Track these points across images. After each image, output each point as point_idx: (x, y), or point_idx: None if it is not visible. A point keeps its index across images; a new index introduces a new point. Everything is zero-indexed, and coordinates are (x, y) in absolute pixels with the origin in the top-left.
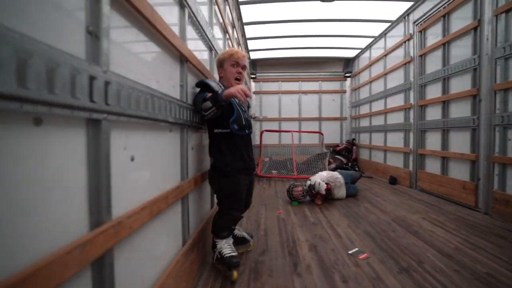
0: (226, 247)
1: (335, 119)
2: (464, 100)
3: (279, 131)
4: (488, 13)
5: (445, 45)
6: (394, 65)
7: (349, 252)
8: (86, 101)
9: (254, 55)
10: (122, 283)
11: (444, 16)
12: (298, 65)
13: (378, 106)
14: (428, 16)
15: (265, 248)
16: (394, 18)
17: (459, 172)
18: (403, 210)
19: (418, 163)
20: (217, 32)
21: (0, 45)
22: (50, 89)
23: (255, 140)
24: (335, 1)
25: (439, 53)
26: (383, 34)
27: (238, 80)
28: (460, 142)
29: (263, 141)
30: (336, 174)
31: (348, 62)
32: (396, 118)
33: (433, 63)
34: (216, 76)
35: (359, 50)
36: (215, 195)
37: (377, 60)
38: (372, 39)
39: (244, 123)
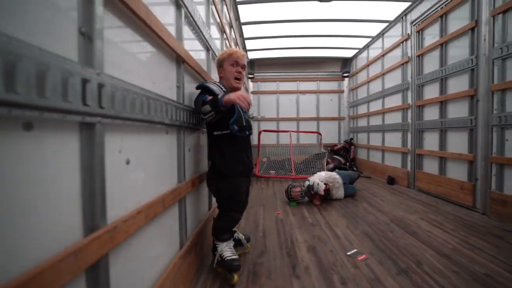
0: (227, 250)
1: (333, 119)
2: (462, 100)
3: (277, 131)
4: (486, 13)
5: (442, 45)
6: (392, 65)
7: (348, 253)
8: (79, 105)
9: (252, 55)
10: None
11: (441, 16)
12: (296, 65)
13: (376, 106)
14: (426, 16)
15: (264, 249)
16: (391, 18)
17: (457, 172)
18: (401, 210)
19: (416, 163)
20: (214, 32)
21: None
22: (41, 93)
23: (253, 140)
24: (333, 1)
25: (436, 53)
26: (381, 34)
27: (238, 79)
28: (457, 142)
29: (261, 141)
30: (334, 174)
31: (346, 62)
32: (394, 118)
33: (431, 64)
34: (214, 76)
35: (356, 50)
36: (213, 197)
37: (375, 60)
38: (370, 39)
39: (244, 124)
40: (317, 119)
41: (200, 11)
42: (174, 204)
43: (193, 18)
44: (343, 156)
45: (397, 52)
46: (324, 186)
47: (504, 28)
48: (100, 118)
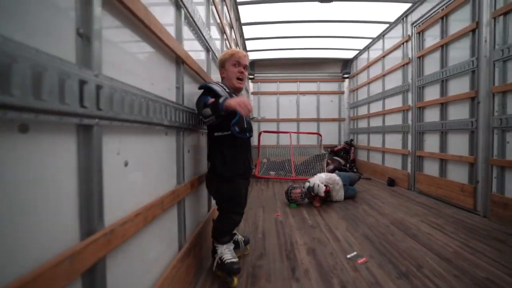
0: (227, 253)
1: (333, 120)
2: (463, 102)
3: (277, 132)
4: (486, 15)
5: (443, 47)
6: (392, 66)
7: (348, 256)
8: (76, 107)
9: (252, 56)
10: None
11: (442, 18)
12: (296, 66)
13: (376, 107)
14: (426, 17)
15: (263, 251)
16: (392, 19)
17: (458, 174)
18: (401, 213)
19: (416, 165)
20: (214, 33)
21: None
22: (37, 95)
23: (253, 141)
24: (334, 2)
25: (437, 55)
26: (381, 36)
27: (240, 79)
28: (458, 144)
29: (261, 142)
30: (334, 176)
31: (346, 63)
32: (394, 120)
33: (431, 65)
34: (214, 77)
35: (357, 51)
36: (212, 198)
37: (375, 61)
38: (370, 40)
39: (245, 126)
40: (317, 120)
41: (200, 12)
42: (173, 206)
43: (193, 19)
44: (343, 157)
45: (398, 54)
46: (324, 187)
47: (505, 30)
48: (98, 120)
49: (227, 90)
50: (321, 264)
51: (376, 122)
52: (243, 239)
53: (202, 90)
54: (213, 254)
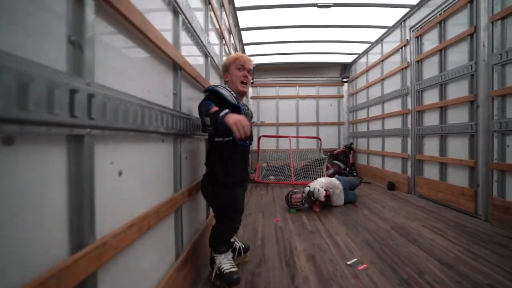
0: (226, 262)
1: (332, 124)
2: (462, 106)
3: (277, 137)
4: (484, 19)
5: (441, 51)
6: (391, 70)
7: (348, 262)
8: (65, 117)
9: None
10: None
11: (440, 22)
12: (295, 70)
13: (375, 111)
14: (425, 22)
15: (262, 258)
16: (390, 24)
17: (458, 178)
18: (402, 217)
19: (416, 168)
20: (213, 38)
21: None
22: (22, 106)
23: (253, 145)
24: (332, 7)
25: (436, 59)
26: (380, 40)
27: (244, 83)
28: (458, 148)
29: (261, 147)
30: (335, 180)
31: (345, 67)
32: (394, 124)
33: (430, 69)
34: (212, 82)
35: (356, 56)
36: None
37: (374, 65)
38: (369, 44)
39: (250, 127)
40: (317, 124)
41: (198, 17)
42: (169, 215)
43: (191, 25)
44: (343, 161)
45: (396, 58)
46: (324, 192)
47: (503, 34)
48: (90, 129)
49: (234, 95)
50: (321, 271)
51: (375, 126)
52: (243, 246)
53: (206, 94)
54: (211, 264)
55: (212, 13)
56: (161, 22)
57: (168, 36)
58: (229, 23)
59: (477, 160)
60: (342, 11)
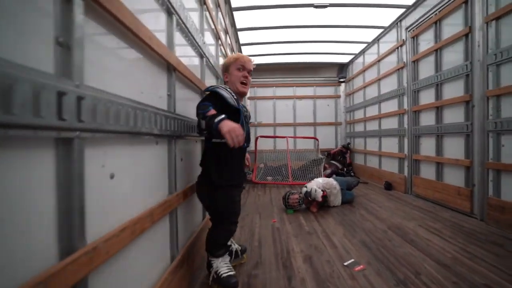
0: (223, 266)
1: (329, 124)
2: (457, 106)
3: (274, 137)
4: (479, 20)
5: (437, 51)
6: (388, 70)
7: (345, 263)
8: (53, 120)
9: None
10: None
11: (435, 22)
12: (292, 71)
13: (372, 111)
14: (420, 22)
15: (259, 260)
16: (386, 24)
17: (454, 178)
18: (399, 217)
19: (413, 168)
20: (209, 39)
21: None
22: (6, 109)
23: (250, 146)
24: (328, 7)
25: (431, 59)
26: (376, 40)
27: (244, 84)
28: (454, 148)
29: (258, 147)
30: (332, 181)
31: (342, 68)
32: (391, 124)
33: (426, 69)
34: (208, 83)
35: (353, 56)
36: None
37: (371, 65)
38: (366, 44)
39: (244, 135)
40: (314, 124)
41: (193, 18)
42: (164, 217)
43: (185, 25)
44: (341, 161)
45: (393, 58)
46: (321, 192)
47: (498, 34)
48: (79, 132)
49: (235, 97)
50: (317, 272)
51: (372, 126)
52: (239, 248)
53: (207, 93)
54: (208, 268)
55: (207, 13)
56: (155, 23)
57: (162, 37)
58: (225, 24)
59: (473, 160)
60: (338, 11)
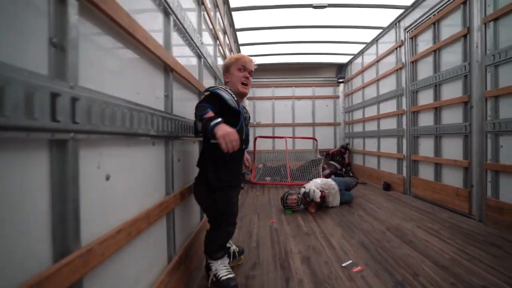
0: (222, 269)
1: (328, 124)
2: (456, 106)
3: (273, 137)
4: (477, 21)
5: (436, 52)
6: (386, 71)
7: (343, 264)
8: (47, 121)
9: None
10: None
11: (434, 23)
12: (291, 71)
13: (371, 111)
14: (419, 23)
15: (257, 261)
16: (385, 24)
17: (453, 178)
18: (397, 218)
19: (411, 169)
20: (207, 39)
21: None
22: None
23: (249, 146)
24: (327, 8)
25: (430, 59)
26: (375, 41)
27: (245, 84)
28: (452, 149)
29: (257, 147)
30: (330, 181)
31: (341, 68)
32: (389, 124)
33: (425, 70)
34: (206, 83)
35: (351, 56)
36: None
37: (370, 66)
38: (364, 45)
39: (243, 137)
40: (313, 124)
41: (191, 18)
42: (161, 218)
43: (183, 26)
44: (339, 162)
45: (391, 58)
46: (320, 193)
47: (496, 35)
48: (73, 133)
49: (235, 98)
50: (315, 273)
51: (371, 127)
52: (237, 249)
53: (207, 94)
54: (207, 271)
55: (205, 13)
56: (152, 23)
57: (159, 37)
58: (223, 24)
59: (471, 161)
60: (337, 12)
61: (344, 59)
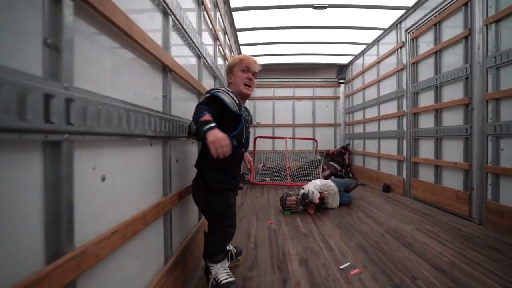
0: (222, 272)
1: (328, 125)
2: (457, 108)
3: (273, 138)
4: (479, 22)
5: (437, 53)
6: (387, 72)
7: (341, 267)
8: (40, 123)
9: None
10: None
11: (435, 24)
12: (292, 71)
13: (371, 112)
14: (420, 24)
15: (254, 262)
16: (386, 25)
17: (453, 181)
18: (396, 220)
19: (411, 171)
20: (207, 39)
21: None
22: None
23: (249, 146)
24: (328, 8)
25: (431, 61)
26: (376, 42)
27: (248, 86)
28: (453, 151)
29: (257, 147)
30: (329, 182)
31: (341, 69)
32: (390, 125)
33: (426, 71)
34: (205, 83)
35: (352, 57)
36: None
37: (370, 67)
38: (365, 46)
39: (243, 140)
40: (313, 125)
41: (190, 18)
42: (158, 219)
43: (182, 26)
44: (339, 162)
45: (392, 59)
46: (319, 194)
47: (497, 37)
48: (68, 135)
49: (236, 101)
50: (313, 275)
51: (371, 128)
52: (235, 250)
53: (207, 96)
54: (206, 275)
55: (205, 13)
56: (150, 23)
57: (158, 38)
58: (224, 24)
59: (472, 163)
60: (338, 12)
61: (344, 60)
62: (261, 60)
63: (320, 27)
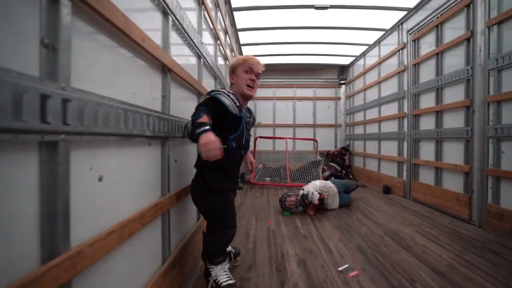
0: (222, 274)
1: (329, 126)
2: (458, 110)
3: (273, 138)
4: (481, 24)
5: (438, 55)
6: (388, 73)
7: (339, 269)
8: (36, 123)
9: None
10: None
11: (437, 26)
12: (292, 72)
13: (372, 114)
14: (422, 25)
15: (252, 263)
16: (388, 26)
17: (453, 183)
18: (396, 222)
19: (412, 173)
20: (208, 39)
21: None
22: None
23: (250, 146)
24: (329, 9)
25: (432, 62)
26: (377, 42)
27: (251, 87)
28: (453, 153)
29: (257, 147)
30: (329, 183)
31: (342, 69)
32: (390, 127)
33: (427, 73)
34: (205, 83)
35: (353, 58)
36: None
37: (372, 68)
38: (367, 47)
39: (243, 143)
40: (314, 126)
41: (191, 18)
42: (156, 219)
43: (182, 26)
44: (339, 163)
45: (394, 61)
46: (318, 195)
47: (499, 39)
48: (64, 135)
49: (237, 103)
50: (311, 277)
51: (372, 129)
52: (233, 251)
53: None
54: (206, 276)
55: (205, 13)
56: (150, 23)
57: (157, 37)
58: (225, 24)
59: (472, 166)
60: (339, 13)
61: (346, 61)
62: (263, 60)
63: (321, 27)
